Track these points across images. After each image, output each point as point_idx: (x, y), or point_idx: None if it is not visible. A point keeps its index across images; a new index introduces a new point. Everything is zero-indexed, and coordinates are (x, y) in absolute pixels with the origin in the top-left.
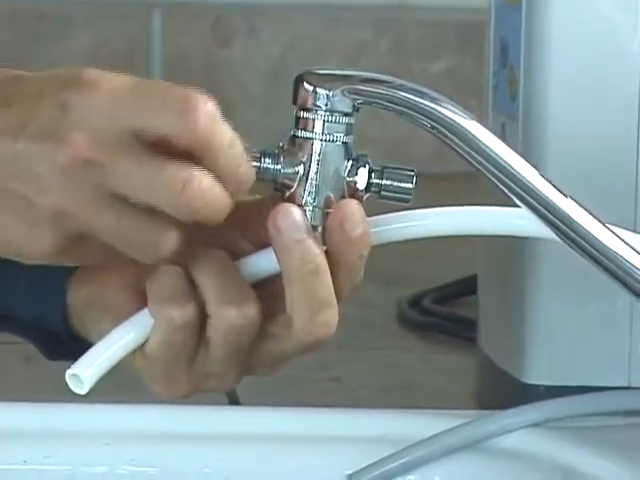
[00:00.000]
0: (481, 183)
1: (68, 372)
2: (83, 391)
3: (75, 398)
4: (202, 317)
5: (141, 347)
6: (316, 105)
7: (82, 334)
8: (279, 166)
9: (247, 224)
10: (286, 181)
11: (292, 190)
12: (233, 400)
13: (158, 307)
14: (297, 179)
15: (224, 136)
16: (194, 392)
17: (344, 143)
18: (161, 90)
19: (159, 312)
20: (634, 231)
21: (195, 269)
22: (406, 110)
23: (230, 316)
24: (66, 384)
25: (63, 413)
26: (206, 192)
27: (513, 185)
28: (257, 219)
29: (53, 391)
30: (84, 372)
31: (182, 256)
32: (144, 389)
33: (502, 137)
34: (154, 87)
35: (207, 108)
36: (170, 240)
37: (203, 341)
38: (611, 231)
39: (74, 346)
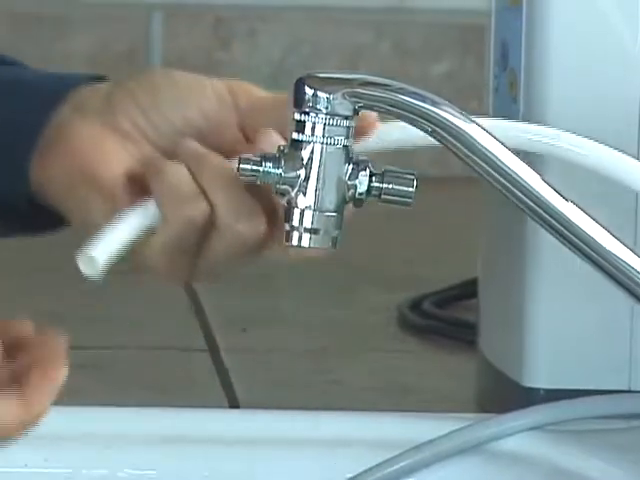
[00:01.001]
0: (482, 187)
1: (81, 255)
2: (96, 273)
3: (75, 401)
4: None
5: (145, 238)
6: (316, 108)
7: (55, 209)
8: (280, 170)
9: (245, 119)
10: (287, 185)
11: (293, 194)
12: (233, 403)
13: (174, 206)
14: (298, 183)
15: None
16: (192, 281)
17: (345, 146)
18: None
19: (176, 210)
20: (634, 232)
21: (204, 179)
22: (406, 113)
23: (241, 231)
24: (64, 387)
25: (63, 416)
26: None
27: (514, 189)
28: (257, 117)
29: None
30: (97, 253)
31: (185, 155)
32: (145, 392)
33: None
34: None
35: None
36: None
37: (206, 246)
38: (612, 235)
39: (37, 220)
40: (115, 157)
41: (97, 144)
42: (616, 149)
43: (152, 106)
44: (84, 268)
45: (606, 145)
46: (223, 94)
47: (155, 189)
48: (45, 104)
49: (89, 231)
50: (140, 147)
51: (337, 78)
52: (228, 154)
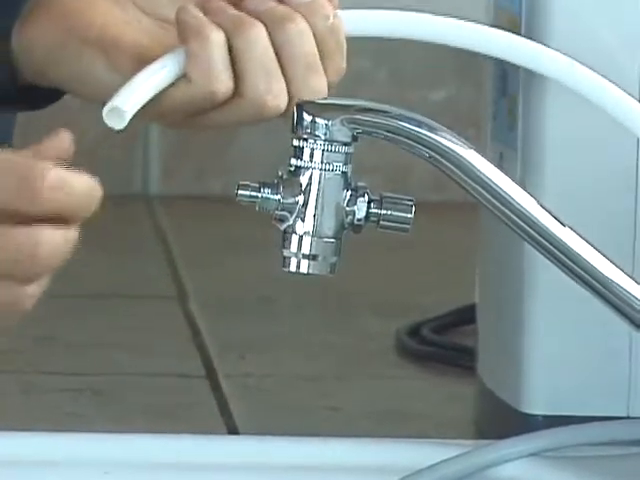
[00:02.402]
0: (480, 212)
1: (106, 108)
2: (123, 124)
3: (74, 427)
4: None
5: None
6: (315, 135)
7: (40, 79)
8: (278, 196)
9: None
10: (285, 211)
11: (292, 220)
12: (232, 430)
13: (205, 77)
14: (297, 209)
15: (76, 196)
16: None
17: (343, 173)
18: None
19: (205, 81)
20: (632, 259)
21: (241, 48)
22: (405, 139)
23: (265, 106)
24: (64, 414)
25: (62, 442)
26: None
27: (511, 214)
28: None
29: (51, 421)
30: (122, 103)
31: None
32: (144, 419)
33: (500, 166)
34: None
35: (49, 178)
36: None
37: (221, 110)
38: (609, 260)
39: (23, 97)
40: (111, 16)
41: (90, 4)
42: (613, 178)
43: None
44: (110, 121)
45: (604, 174)
46: None
47: (193, 51)
48: None
49: (81, 90)
50: (136, 15)
51: (335, 104)
52: None
